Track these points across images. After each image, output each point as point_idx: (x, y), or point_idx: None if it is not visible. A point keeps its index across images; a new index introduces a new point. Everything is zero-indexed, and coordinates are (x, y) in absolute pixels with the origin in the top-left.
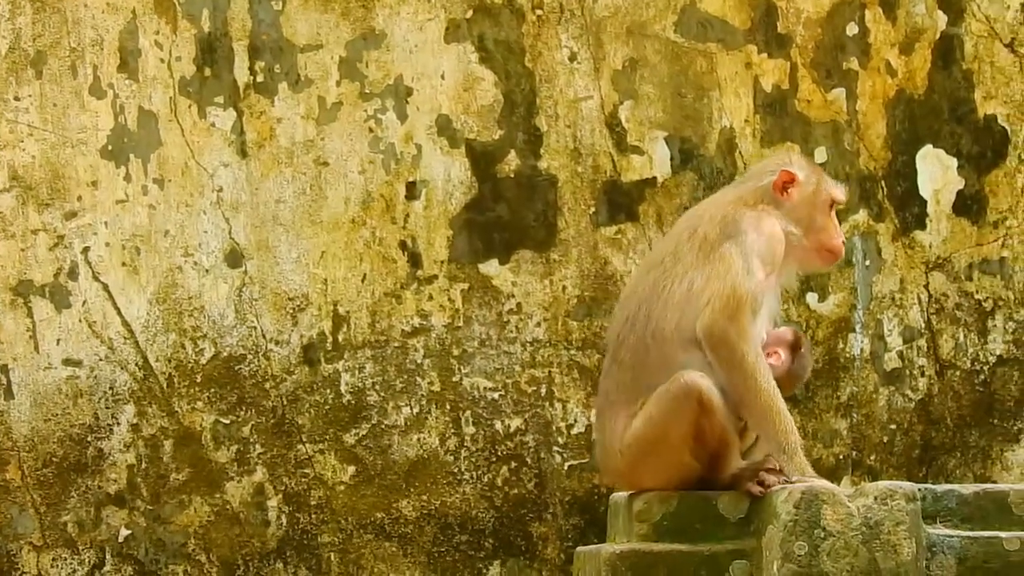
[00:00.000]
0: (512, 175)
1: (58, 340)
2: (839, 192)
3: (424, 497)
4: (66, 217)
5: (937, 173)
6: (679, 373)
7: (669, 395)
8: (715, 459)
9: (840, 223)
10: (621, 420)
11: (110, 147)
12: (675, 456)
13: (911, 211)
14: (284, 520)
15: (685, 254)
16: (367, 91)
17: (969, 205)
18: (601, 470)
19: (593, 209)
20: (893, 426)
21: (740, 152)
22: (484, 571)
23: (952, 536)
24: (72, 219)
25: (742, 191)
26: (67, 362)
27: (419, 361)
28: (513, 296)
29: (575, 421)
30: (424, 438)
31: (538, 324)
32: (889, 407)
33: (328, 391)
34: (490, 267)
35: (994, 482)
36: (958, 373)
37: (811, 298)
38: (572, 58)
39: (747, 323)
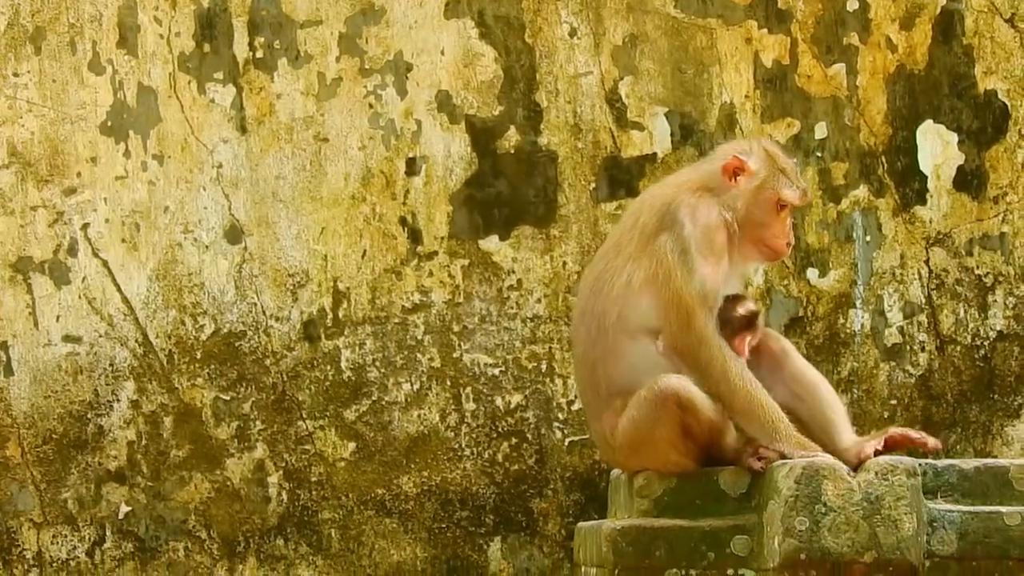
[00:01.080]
0: (512, 151)
1: (58, 317)
2: (791, 193)
3: (424, 473)
4: (65, 193)
5: (937, 148)
6: (656, 379)
7: (648, 402)
8: (710, 446)
9: (839, 200)
10: (605, 416)
11: (109, 123)
12: (667, 454)
13: (911, 186)
14: (284, 496)
15: (626, 245)
16: (367, 67)
17: (969, 180)
18: (600, 452)
19: (593, 185)
20: (894, 401)
21: (740, 128)
22: (485, 547)
23: (953, 511)
24: (71, 195)
25: (691, 174)
26: (67, 339)
27: (419, 337)
28: (513, 272)
29: (576, 397)
30: (424, 414)
31: (538, 300)
32: (890, 383)
33: (328, 367)
34: (490, 243)
35: (995, 457)
36: (958, 348)
37: (811, 273)
38: (572, 33)
39: (702, 326)
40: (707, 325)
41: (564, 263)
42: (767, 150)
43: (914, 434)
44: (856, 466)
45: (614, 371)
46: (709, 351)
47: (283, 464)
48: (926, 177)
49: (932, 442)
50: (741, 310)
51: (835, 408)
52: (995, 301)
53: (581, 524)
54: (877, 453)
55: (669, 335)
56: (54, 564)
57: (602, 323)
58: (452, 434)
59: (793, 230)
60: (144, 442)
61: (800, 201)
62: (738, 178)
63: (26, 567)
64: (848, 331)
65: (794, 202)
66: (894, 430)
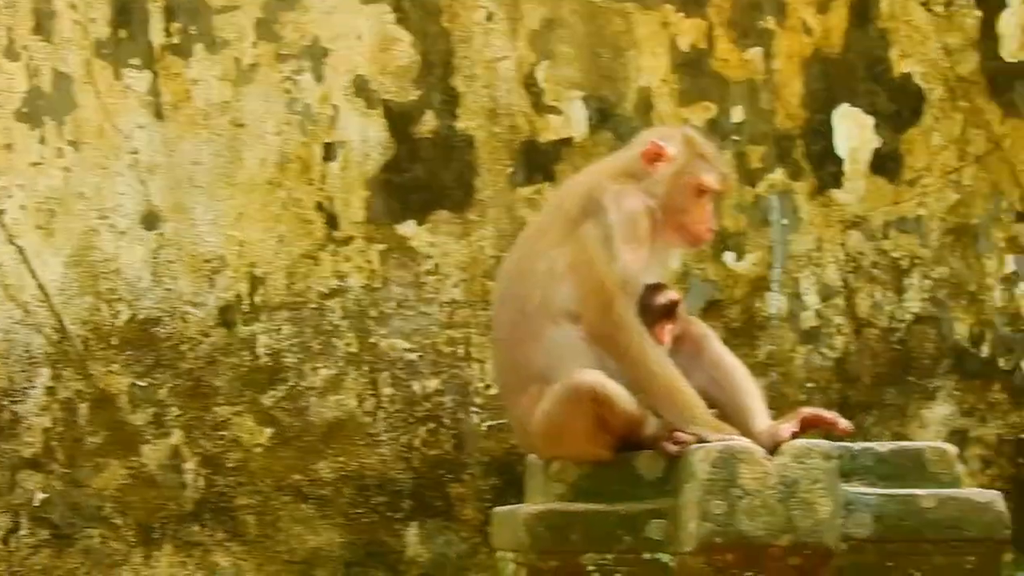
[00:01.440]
0: (429, 136)
1: None
2: (710, 179)
3: (342, 459)
4: None
5: (854, 132)
6: (571, 373)
7: (563, 396)
8: (627, 437)
9: (756, 183)
10: (521, 402)
11: (24, 109)
12: (583, 446)
13: (828, 170)
14: (201, 482)
15: (549, 230)
16: (283, 52)
17: (886, 163)
18: (516, 438)
19: (511, 169)
20: (811, 384)
21: (657, 112)
22: (402, 532)
23: (869, 494)
24: None
25: (615, 162)
26: None
27: (336, 322)
28: (431, 257)
29: (493, 382)
30: (342, 400)
31: (456, 285)
32: (807, 366)
33: (245, 353)
34: (407, 228)
35: (911, 440)
36: (875, 331)
37: (728, 257)
38: (489, 18)
39: (622, 312)
40: (627, 311)
41: (481, 248)
42: (686, 136)
43: (826, 414)
44: (772, 449)
45: (534, 355)
46: (628, 336)
47: (199, 450)
48: (842, 160)
49: (844, 423)
50: (661, 299)
51: (751, 393)
52: (911, 284)
53: (498, 509)
54: (793, 436)
55: (588, 321)
56: None
57: (524, 307)
58: (369, 419)
59: (708, 227)
60: (60, 429)
61: (720, 186)
62: (658, 164)
63: None
64: (765, 314)
65: (714, 187)
66: (806, 410)
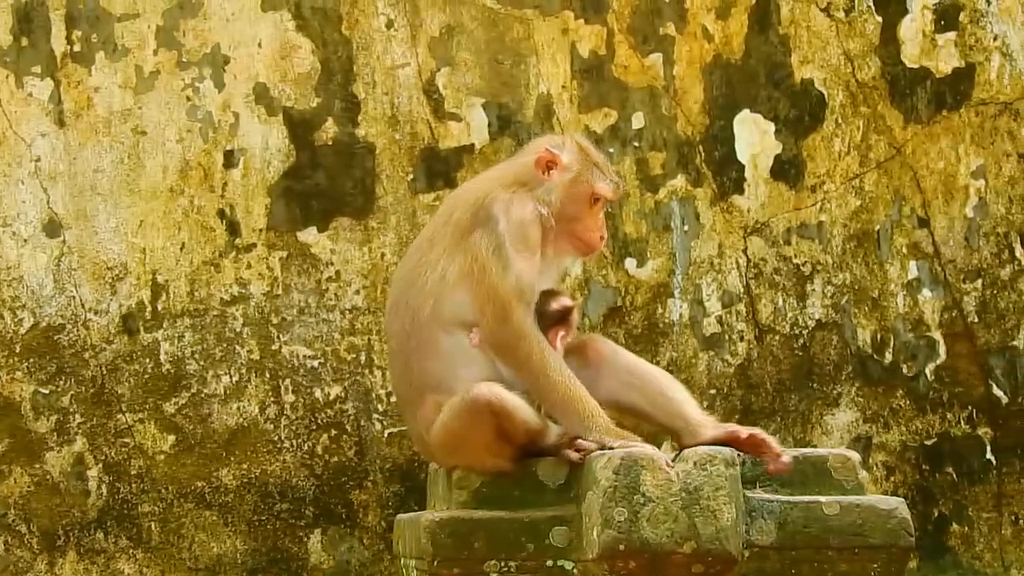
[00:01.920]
0: (330, 143)
1: None
2: (604, 187)
3: (244, 466)
4: None
5: (755, 138)
6: (468, 387)
7: (462, 410)
8: (528, 446)
9: (657, 190)
10: (419, 413)
11: None
12: (483, 459)
13: (729, 176)
14: (104, 490)
15: (440, 239)
16: (184, 60)
17: (787, 169)
18: (416, 447)
19: (411, 176)
20: (713, 391)
21: (558, 118)
22: (305, 539)
23: (772, 501)
24: None
25: (505, 170)
26: None
27: (238, 329)
28: (332, 264)
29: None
30: (244, 406)
31: (357, 291)
32: (709, 372)
33: (147, 360)
34: (308, 235)
35: (814, 446)
36: (777, 337)
37: (630, 263)
38: (389, 25)
39: (520, 320)
40: (525, 319)
41: (383, 254)
42: (579, 144)
43: (774, 445)
44: (709, 442)
45: (429, 365)
46: (528, 345)
47: (103, 457)
48: (743, 166)
49: (785, 462)
50: (556, 305)
51: (674, 387)
52: (813, 290)
53: (401, 516)
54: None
55: (486, 330)
56: None
57: (416, 316)
58: (272, 426)
59: (609, 222)
60: None
61: (613, 194)
62: (551, 172)
63: None
64: (667, 321)
65: (607, 195)
66: (759, 432)
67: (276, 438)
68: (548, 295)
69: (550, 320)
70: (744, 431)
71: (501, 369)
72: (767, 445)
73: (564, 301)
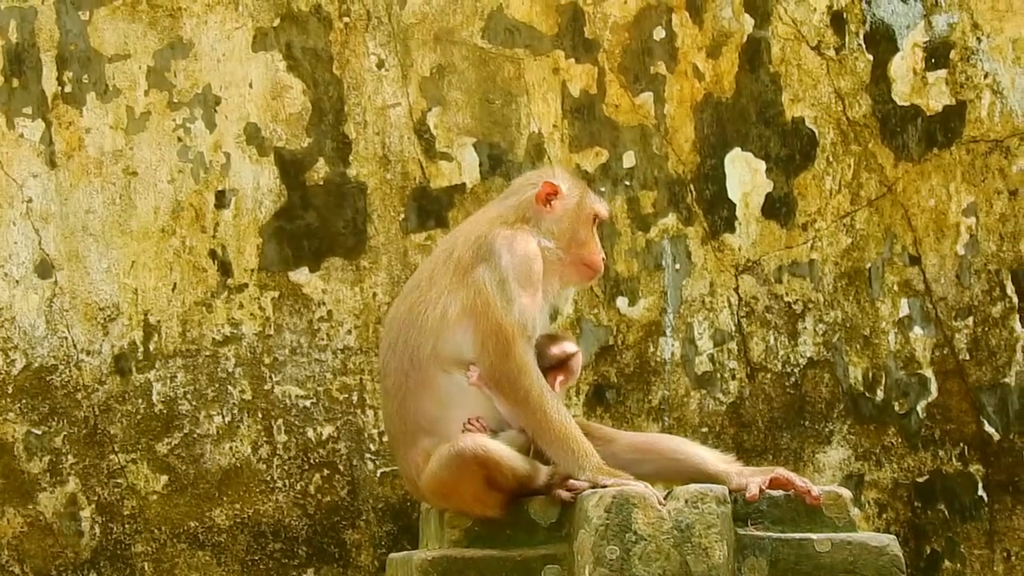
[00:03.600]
0: (321, 183)
1: None
2: (602, 208)
3: (237, 506)
4: None
5: (746, 176)
6: (457, 439)
7: (450, 461)
8: (518, 491)
9: (648, 228)
10: (411, 455)
11: None
12: (473, 507)
13: (720, 214)
14: (97, 530)
15: (440, 277)
16: (175, 100)
17: (778, 208)
18: (407, 488)
19: (403, 216)
20: (705, 429)
21: (549, 157)
22: None
23: (763, 538)
24: None
25: (502, 208)
26: None
27: (230, 370)
28: (324, 304)
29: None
30: (236, 446)
31: (349, 331)
32: (701, 410)
33: (140, 400)
34: (300, 275)
35: None
36: (769, 376)
37: (621, 302)
38: (380, 65)
39: (522, 356)
40: (526, 354)
41: (374, 294)
42: (568, 173)
43: (798, 481)
44: (732, 492)
45: (425, 405)
46: (528, 380)
47: (95, 498)
48: (735, 205)
49: (815, 494)
50: (556, 349)
51: (681, 443)
52: (805, 328)
53: (393, 555)
54: (761, 492)
55: (488, 365)
56: None
57: (415, 356)
58: (264, 466)
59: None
60: None
61: (607, 213)
62: (552, 203)
63: None
64: (658, 359)
65: (605, 215)
66: (780, 471)
67: (269, 478)
68: (550, 339)
69: (550, 363)
70: (764, 484)
71: (497, 407)
72: (792, 483)
73: (567, 347)
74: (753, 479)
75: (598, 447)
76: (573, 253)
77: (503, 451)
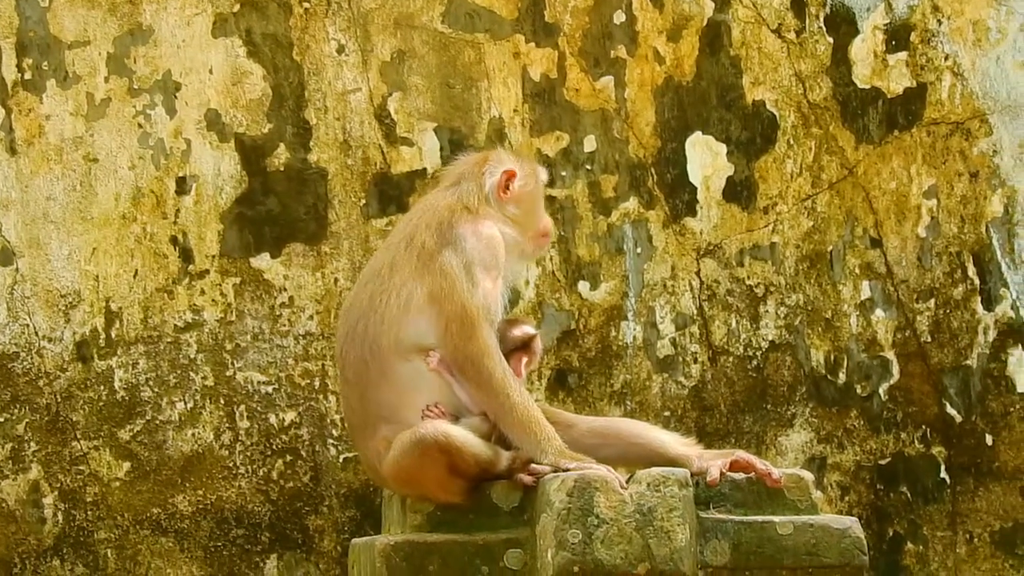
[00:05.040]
0: (282, 168)
1: None
2: (544, 175)
3: (200, 492)
4: None
5: (707, 160)
6: (418, 425)
7: (411, 447)
8: (480, 476)
9: (609, 212)
10: (371, 445)
11: None
12: (435, 493)
13: (681, 198)
14: (60, 517)
15: (402, 264)
16: (136, 87)
17: (739, 191)
18: (368, 475)
19: (363, 201)
20: (667, 413)
21: (510, 142)
22: (261, 565)
23: (726, 521)
24: None
25: (460, 193)
26: None
27: (192, 356)
28: (285, 290)
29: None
30: (199, 433)
31: (311, 317)
32: (663, 394)
33: (102, 387)
34: (261, 261)
35: None
36: (731, 359)
37: (583, 286)
38: (340, 51)
39: (486, 339)
40: (489, 337)
41: (336, 280)
42: (511, 152)
43: (759, 464)
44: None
45: (384, 393)
46: (492, 362)
47: (58, 485)
48: (696, 188)
49: (776, 476)
50: (518, 332)
51: (642, 427)
52: (766, 311)
53: (355, 540)
54: (722, 475)
55: (451, 348)
56: None
57: (376, 344)
58: (226, 452)
59: (562, 245)
60: None
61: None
62: (511, 187)
63: None
64: (620, 343)
65: (546, 179)
66: (740, 454)
67: (231, 464)
68: (509, 323)
69: (512, 346)
70: (724, 467)
71: (459, 393)
72: (753, 466)
73: (526, 328)
74: (714, 462)
75: (559, 432)
76: (532, 227)
77: (464, 437)
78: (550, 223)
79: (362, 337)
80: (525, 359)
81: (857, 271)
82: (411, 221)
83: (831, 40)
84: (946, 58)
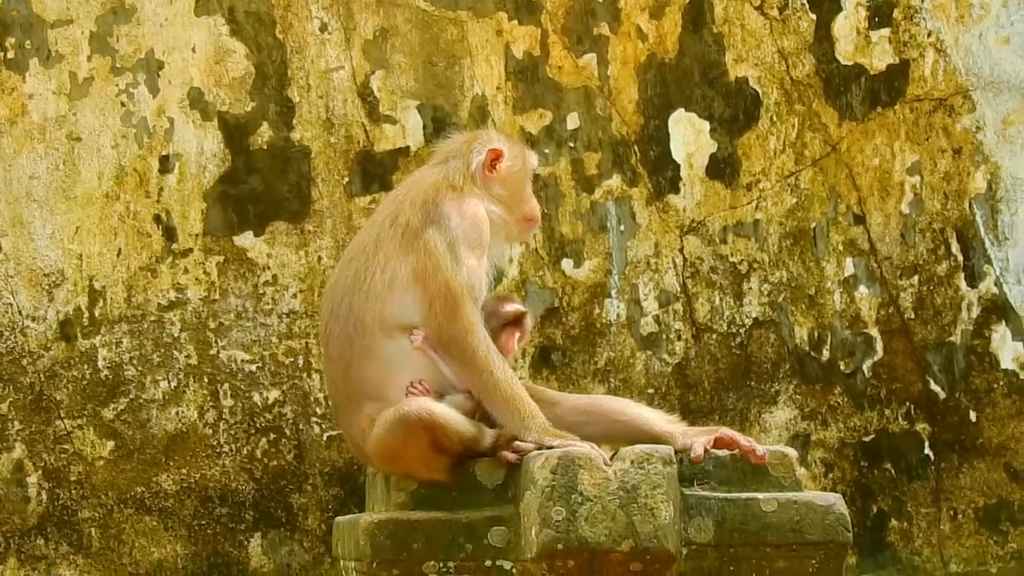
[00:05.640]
0: (265, 147)
1: None
2: (535, 159)
3: (184, 471)
4: None
5: (690, 137)
6: (402, 403)
7: (395, 425)
8: (464, 454)
9: (593, 190)
10: (356, 422)
11: None
12: (419, 470)
13: (664, 175)
14: (44, 496)
15: (387, 242)
16: (118, 65)
17: (722, 168)
18: (353, 453)
19: (347, 179)
20: (651, 390)
21: (493, 120)
22: (245, 543)
23: (710, 498)
24: None
25: (446, 171)
26: None
27: (176, 335)
28: (269, 268)
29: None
30: (183, 411)
31: (294, 295)
32: (647, 371)
33: (86, 366)
34: (245, 239)
35: None
36: (714, 336)
37: (566, 264)
38: (323, 28)
39: (470, 317)
40: (473, 315)
41: (319, 258)
42: (501, 133)
43: (743, 440)
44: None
45: (369, 370)
46: (476, 340)
47: (42, 464)
48: (679, 166)
49: (760, 453)
50: (508, 308)
51: (625, 404)
52: (750, 288)
53: (339, 518)
54: (706, 452)
55: (435, 326)
56: None
57: (360, 322)
58: (210, 431)
59: (545, 223)
60: None
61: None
62: (497, 167)
63: None
64: (604, 321)
65: (536, 165)
66: (724, 431)
67: (215, 443)
68: (499, 300)
69: (502, 321)
70: (708, 443)
71: (443, 370)
72: (736, 443)
73: (516, 305)
74: (698, 439)
75: (543, 410)
76: (517, 212)
77: (448, 414)
78: (537, 208)
79: (346, 314)
80: (518, 333)
81: (840, 248)
82: (396, 198)
83: (814, 17)
84: (929, 34)
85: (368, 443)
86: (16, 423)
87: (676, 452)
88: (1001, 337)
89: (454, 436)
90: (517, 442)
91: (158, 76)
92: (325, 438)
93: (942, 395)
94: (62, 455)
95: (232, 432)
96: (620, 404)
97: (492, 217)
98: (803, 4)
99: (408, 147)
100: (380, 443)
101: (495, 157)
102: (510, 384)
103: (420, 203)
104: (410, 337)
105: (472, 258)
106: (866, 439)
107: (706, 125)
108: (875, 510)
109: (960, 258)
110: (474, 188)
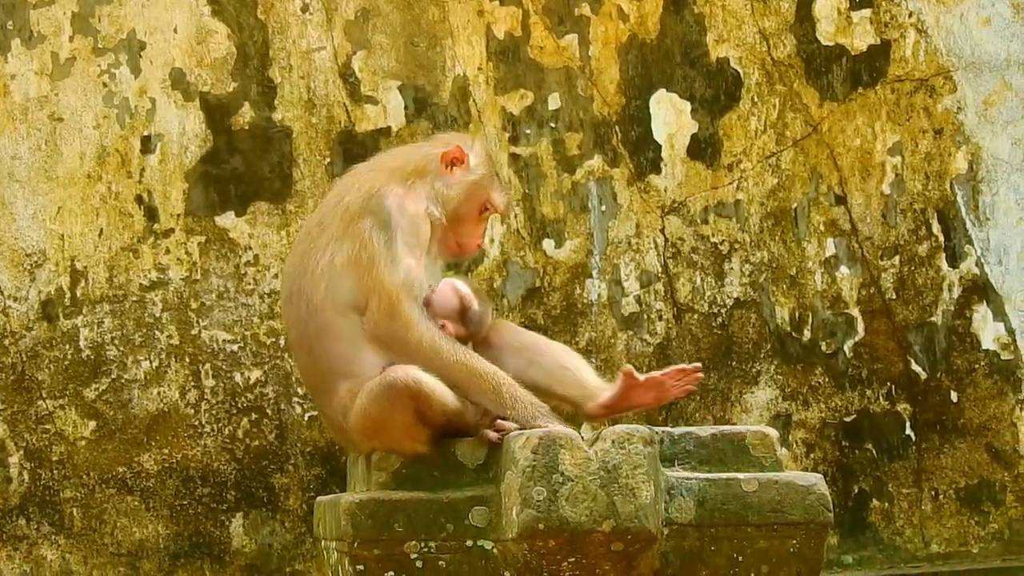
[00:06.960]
0: (247, 127)
1: None
2: (499, 198)
3: (165, 451)
4: None
5: (671, 117)
6: (388, 370)
7: (380, 395)
8: (447, 427)
9: (574, 170)
10: (333, 401)
11: None
12: (402, 442)
13: (645, 155)
14: (26, 476)
15: (329, 224)
16: (100, 46)
17: (703, 148)
18: (331, 433)
19: (328, 160)
20: None
21: (474, 100)
22: (227, 523)
23: (691, 478)
24: None
25: (405, 157)
26: None
27: (157, 315)
28: (250, 248)
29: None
30: (164, 391)
31: (276, 276)
32: (628, 351)
33: (67, 346)
34: (227, 220)
35: (733, 424)
36: (696, 316)
37: (547, 244)
38: (305, 9)
39: (408, 313)
40: (412, 310)
41: None
42: (486, 149)
43: (658, 374)
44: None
45: (332, 349)
46: (418, 334)
47: (24, 444)
48: (660, 146)
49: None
50: (454, 297)
51: (573, 359)
52: (731, 268)
53: (320, 498)
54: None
55: (373, 323)
56: None
57: (310, 302)
58: (192, 411)
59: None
60: None
61: (504, 209)
62: (454, 169)
63: None
64: (585, 301)
65: (500, 208)
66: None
67: (197, 423)
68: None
69: (445, 314)
70: (640, 376)
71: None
72: (668, 377)
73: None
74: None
75: (482, 351)
76: (451, 227)
77: (435, 383)
78: (473, 243)
79: (298, 297)
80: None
81: (822, 228)
82: (347, 181)
83: None
84: (910, 15)
85: (350, 417)
86: None
87: (602, 405)
88: (982, 317)
89: (438, 407)
90: (499, 421)
91: (140, 56)
92: (307, 418)
93: (923, 375)
94: (44, 435)
95: (214, 412)
96: (566, 357)
97: (432, 218)
98: None
99: (389, 127)
100: (363, 414)
101: (456, 157)
102: (467, 364)
103: (364, 190)
104: (362, 320)
105: (410, 257)
106: (847, 419)
107: (687, 105)
108: (856, 490)
109: (941, 238)
110: (420, 179)
